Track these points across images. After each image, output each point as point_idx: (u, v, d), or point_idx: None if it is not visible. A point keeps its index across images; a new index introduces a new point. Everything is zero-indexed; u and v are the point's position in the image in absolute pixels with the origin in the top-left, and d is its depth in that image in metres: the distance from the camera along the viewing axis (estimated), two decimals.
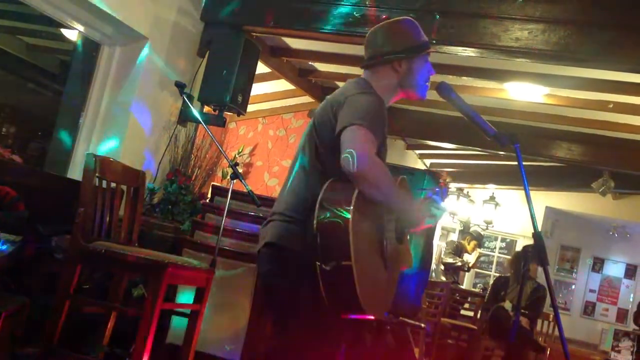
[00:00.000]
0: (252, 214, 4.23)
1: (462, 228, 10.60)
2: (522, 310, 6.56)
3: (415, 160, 9.66)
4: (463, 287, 10.49)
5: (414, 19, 2.43)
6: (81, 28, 4.60)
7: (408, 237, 2.42)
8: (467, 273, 10.91)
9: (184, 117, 4.97)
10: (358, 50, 2.44)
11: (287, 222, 2.19)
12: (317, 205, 2.03)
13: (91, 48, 4.87)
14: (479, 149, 7.41)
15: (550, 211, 11.18)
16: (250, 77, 4.98)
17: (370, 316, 2.07)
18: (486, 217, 10.15)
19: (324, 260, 1.98)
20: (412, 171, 5.27)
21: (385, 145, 2.29)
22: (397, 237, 2.31)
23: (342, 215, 1.99)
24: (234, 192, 3.88)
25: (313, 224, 2.02)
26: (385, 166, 2.10)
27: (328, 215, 2.02)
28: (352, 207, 1.99)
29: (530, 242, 2.13)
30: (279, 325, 2.23)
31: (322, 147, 2.21)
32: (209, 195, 4.90)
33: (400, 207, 2.20)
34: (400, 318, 4.45)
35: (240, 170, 5.43)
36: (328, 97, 2.32)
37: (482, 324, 7.13)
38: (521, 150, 2.24)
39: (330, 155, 2.15)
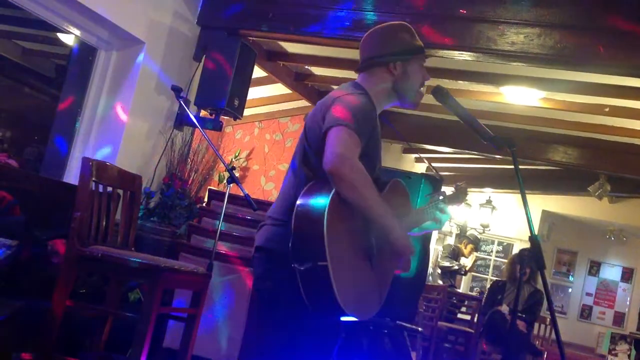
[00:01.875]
0: (249, 218, 4.23)
1: (458, 232, 10.61)
2: (519, 314, 6.56)
3: (412, 164, 9.67)
4: (460, 290, 10.49)
5: (408, 24, 2.43)
6: (77, 32, 4.60)
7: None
8: (464, 277, 10.90)
9: (181, 121, 4.97)
10: (354, 54, 2.44)
11: (275, 225, 2.19)
12: (295, 207, 2.03)
13: (87, 52, 4.87)
14: (476, 152, 7.42)
15: (546, 215, 11.19)
16: (247, 81, 4.98)
17: (354, 318, 2.05)
18: (483, 221, 10.16)
19: (299, 261, 1.97)
20: (409, 175, 5.27)
21: (378, 146, 2.29)
22: None
23: (317, 215, 1.97)
24: (230, 196, 3.87)
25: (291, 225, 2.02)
26: (364, 170, 2.04)
27: (304, 214, 2.01)
28: (327, 208, 1.97)
29: (527, 245, 2.13)
30: (271, 327, 2.22)
31: (310, 150, 2.20)
32: (206, 199, 4.90)
33: (378, 216, 2.09)
34: (397, 322, 4.44)
35: (237, 174, 5.43)
36: (319, 101, 2.32)
37: (479, 327, 7.13)
38: (517, 154, 2.24)
39: (317, 158, 2.14)
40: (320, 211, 1.98)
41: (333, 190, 2.00)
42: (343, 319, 2.09)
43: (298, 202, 2.03)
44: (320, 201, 2.00)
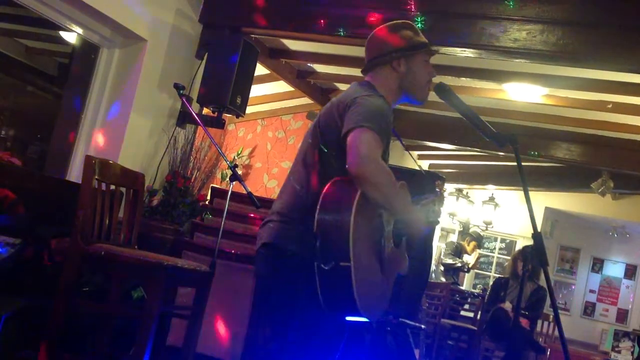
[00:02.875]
0: (252, 215, 4.24)
1: (461, 229, 10.60)
2: (522, 311, 6.56)
3: (414, 162, 9.65)
4: (463, 288, 10.47)
5: (411, 22, 2.44)
6: (80, 30, 4.60)
7: (404, 241, 2.42)
8: (466, 274, 10.90)
9: (183, 119, 4.97)
10: (356, 51, 2.45)
11: (283, 222, 2.19)
12: (318, 206, 2.03)
13: (90, 50, 4.87)
14: (478, 149, 7.41)
15: (549, 211, 11.17)
16: (249, 79, 4.97)
17: (365, 318, 2.06)
18: (486, 218, 10.15)
19: (322, 260, 1.98)
20: (414, 172, 5.25)
21: (388, 148, 2.30)
22: (395, 240, 2.31)
23: (343, 216, 1.99)
24: (233, 193, 3.87)
25: (313, 223, 2.01)
26: (389, 169, 2.10)
27: (328, 215, 2.02)
28: (353, 209, 1.99)
29: (530, 242, 2.13)
30: (276, 325, 2.22)
31: (326, 148, 2.21)
32: (208, 197, 4.90)
33: (402, 211, 2.21)
34: (400, 319, 4.44)
35: (240, 172, 5.43)
36: (333, 99, 2.32)
37: (482, 324, 7.13)
38: (520, 151, 2.24)
39: (334, 156, 2.16)
40: (346, 212, 1.99)
41: (359, 192, 2.02)
42: (352, 319, 2.10)
43: (321, 201, 2.04)
44: (347, 202, 2.01)
